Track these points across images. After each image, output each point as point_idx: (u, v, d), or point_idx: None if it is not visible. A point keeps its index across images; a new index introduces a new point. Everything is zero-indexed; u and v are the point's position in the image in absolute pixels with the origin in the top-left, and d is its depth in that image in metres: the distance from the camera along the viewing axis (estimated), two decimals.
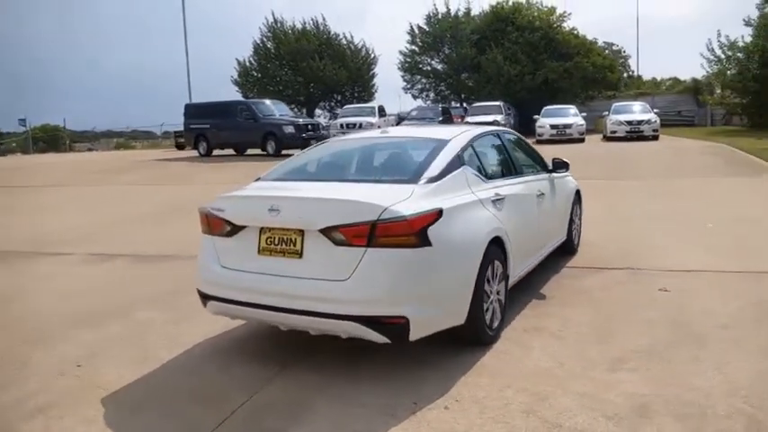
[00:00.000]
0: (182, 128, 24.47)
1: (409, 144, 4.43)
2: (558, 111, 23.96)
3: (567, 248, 5.87)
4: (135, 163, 20.90)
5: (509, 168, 4.59)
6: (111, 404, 3.19)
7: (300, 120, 23.32)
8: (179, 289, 5.33)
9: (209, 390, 3.30)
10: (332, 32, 39.04)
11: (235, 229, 3.45)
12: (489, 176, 4.12)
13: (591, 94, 33.38)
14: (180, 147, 28.22)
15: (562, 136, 22.09)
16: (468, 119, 24.11)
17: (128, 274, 6.18)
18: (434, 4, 36.19)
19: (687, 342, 3.64)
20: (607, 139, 22.10)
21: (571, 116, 23.04)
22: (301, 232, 3.22)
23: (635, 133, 21.05)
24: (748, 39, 23.64)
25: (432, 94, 38.10)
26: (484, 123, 23.14)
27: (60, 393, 3.35)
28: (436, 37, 35.88)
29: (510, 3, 34.08)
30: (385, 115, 27.51)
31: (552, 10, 33.37)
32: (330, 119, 34.47)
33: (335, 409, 2.99)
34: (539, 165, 5.30)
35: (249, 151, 22.56)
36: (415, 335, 3.09)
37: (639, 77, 50.53)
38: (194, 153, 22.99)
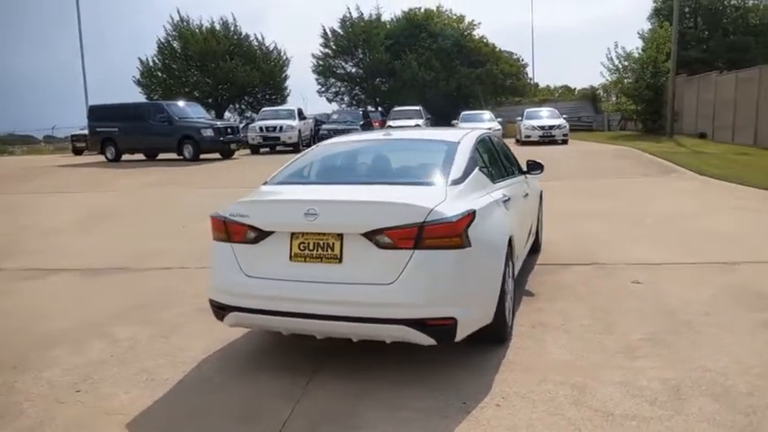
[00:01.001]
0: (78, 131, 22.70)
1: (421, 146, 4.45)
2: (474, 116, 24.93)
3: (534, 247, 6.13)
4: (34, 170, 19.17)
5: (503, 170, 4.74)
6: (140, 430, 2.93)
7: (219, 123, 22.51)
8: (148, 303, 5.01)
9: (244, 406, 3.13)
10: (243, 33, 38.09)
11: (261, 236, 3.29)
12: (494, 178, 4.23)
13: (500, 100, 35.01)
14: (77, 152, 26.28)
15: (549, 137, 22.89)
16: (391, 123, 24.41)
17: (82, 289, 5.69)
18: (348, 8, 36.20)
19: (681, 329, 3.94)
20: (521, 143, 23.26)
21: (487, 121, 24.04)
22: (340, 236, 3.14)
23: (547, 137, 22.38)
24: (642, 51, 25.91)
25: (346, 98, 38.26)
26: (407, 127, 23.75)
27: (70, 423, 3.04)
28: (350, 41, 36.08)
29: (422, 10, 35.03)
30: (305, 118, 27.21)
31: (462, 18, 34.75)
32: (241, 122, 33.55)
33: (384, 414, 2.95)
34: (515, 166, 5.51)
35: (162, 156, 21.44)
36: (459, 335, 3.11)
37: (536, 85, 53.78)
38: (96, 158, 21.54)
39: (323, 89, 38.23)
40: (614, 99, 31.09)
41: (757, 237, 6.75)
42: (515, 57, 43.56)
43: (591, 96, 35.46)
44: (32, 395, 3.36)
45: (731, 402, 2.91)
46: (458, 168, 3.65)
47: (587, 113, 34.32)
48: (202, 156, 20.41)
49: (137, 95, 36.26)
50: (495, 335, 3.59)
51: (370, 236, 3.06)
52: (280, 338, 3.95)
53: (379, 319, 3.03)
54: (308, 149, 4.59)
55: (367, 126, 26.03)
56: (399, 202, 3.16)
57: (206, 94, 36.44)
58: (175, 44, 37.09)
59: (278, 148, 24.72)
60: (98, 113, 21.81)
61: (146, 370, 3.64)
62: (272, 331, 3.87)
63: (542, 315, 4.32)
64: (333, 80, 37.67)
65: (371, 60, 34.25)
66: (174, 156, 20.56)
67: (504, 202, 3.97)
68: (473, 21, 34.41)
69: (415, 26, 34.06)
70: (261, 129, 24.24)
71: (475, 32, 33.90)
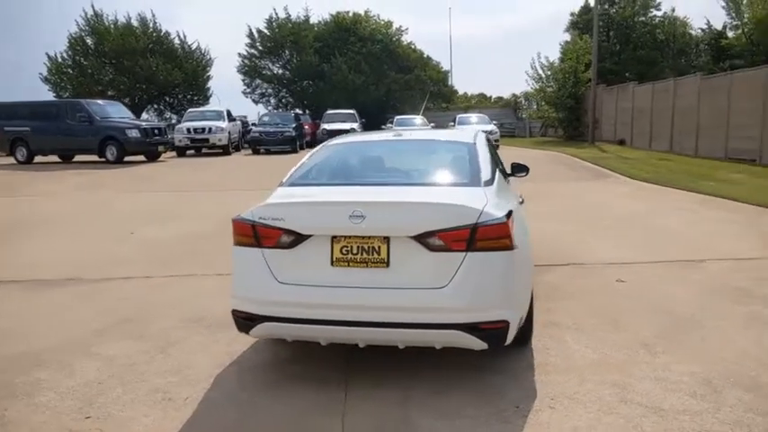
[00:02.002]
0: None
1: (440, 146, 4.39)
2: (409, 120, 25.22)
3: None
4: None
5: (504, 171, 4.77)
6: None
7: (144, 123, 21.31)
8: (126, 317, 4.62)
9: (289, 423, 2.93)
10: (163, 30, 36.36)
11: (298, 240, 3.10)
12: (506, 178, 4.25)
13: (428, 105, 35.64)
14: None
15: None
16: (325, 126, 24.20)
17: (40, 303, 5.13)
18: (274, 9, 35.52)
19: (685, 325, 4.13)
20: None
21: (418, 125, 24.40)
22: (386, 239, 3.02)
23: None
24: (562, 61, 27.33)
25: (273, 100, 37.53)
26: (342, 131, 23.62)
27: None
28: (277, 42, 35.42)
29: (350, 13, 35.05)
30: (234, 120, 26.38)
31: (390, 24, 35.06)
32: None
33: (441, 423, 2.87)
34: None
35: (79, 158, 20.00)
36: (509, 338, 3.08)
37: (456, 91, 55.39)
38: (5, 160, 19.80)
39: (248, 90, 37.29)
40: (536, 107, 32.54)
41: (706, 236, 7.24)
42: (436, 63, 44.53)
43: (513, 104, 36.96)
44: (36, 424, 2.98)
45: (763, 392, 3.07)
46: (486, 169, 3.64)
47: (510, 120, 35.70)
48: (127, 158, 19.29)
49: (44, 94, 33.66)
50: (522, 336, 3.60)
51: (421, 238, 2.96)
52: (294, 349, 3.76)
53: (432, 324, 2.94)
54: (317, 149, 4.37)
55: (299, 129, 25.63)
56: (451, 203, 3.09)
57: (122, 94, 34.38)
58: (89, 40, 34.77)
59: (204, 150, 23.91)
60: (6, 111, 20.04)
61: (157, 389, 3.34)
62: (285, 341, 3.68)
63: (547, 315, 4.37)
64: (259, 81, 36.81)
65: (300, 62, 33.80)
66: (93, 158, 19.25)
67: (521, 202, 3.99)
68: (401, 27, 34.93)
69: (344, 29, 33.99)
70: (188, 130, 23.25)
71: (403, 38, 34.46)
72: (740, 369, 3.36)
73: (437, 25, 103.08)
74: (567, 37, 34.79)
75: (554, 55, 32.25)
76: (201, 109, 27.76)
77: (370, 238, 3.03)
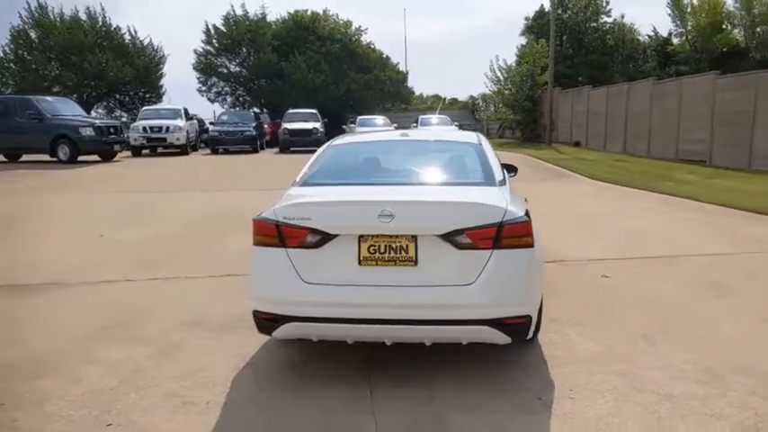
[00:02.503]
0: None
1: (449, 147, 4.47)
2: (371, 120, 25.28)
3: None
4: None
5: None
6: None
7: (99, 121, 20.54)
8: (120, 321, 4.52)
9: (320, 423, 2.94)
10: (113, 25, 35.12)
11: (325, 239, 3.11)
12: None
13: (386, 106, 35.83)
14: None
15: None
16: (286, 125, 23.95)
17: (25, 308, 4.93)
18: (232, 5, 34.83)
19: (675, 317, 4.36)
20: None
21: (383, 125, 24.51)
22: (414, 238, 3.07)
23: None
24: (519, 64, 28.00)
25: (229, 99, 36.86)
26: (304, 131, 23.45)
27: None
28: (234, 39, 34.81)
29: (309, 12, 34.80)
30: (192, 118, 25.78)
31: (349, 23, 35.04)
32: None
33: (472, 418, 2.94)
34: None
35: (27, 157, 19.11)
36: (530, 333, 3.18)
37: (413, 92, 55.93)
38: None
39: (204, 88, 36.49)
40: (493, 108, 33.19)
41: (674, 233, 7.62)
42: (395, 64, 44.82)
43: (471, 105, 37.58)
44: None
45: (762, 377, 3.29)
46: (497, 169, 3.75)
47: (468, 122, 36.26)
48: (80, 158, 18.55)
49: None
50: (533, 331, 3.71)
51: (449, 237, 3.03)
52: (306, 350, 3.76)
53: (460, 320, 3.01)
54: (324, 148, 4.34)
55: (259, 128, 25.30)
56: (479, 202, 3.17)
57: (69, 90, 32.99)
58: (33, 33, 33.23)
59: (159, 150, 23.25)
60: None
61: (174, 394, 3.28)
62: (296, 343, 3.70)
63: (548, 311, 4.50)
64: (215, 79, 36.07)
65: (257, 60, 33.31)
66: (43, 157, 18.41)
67: (526, 200, 4.12)
68: (360, 26, 34.95)
69: (303, 28, 33.74)
70: (144, 129, 22.55)
71: (362, 38, 34.50)
72: (735, 357, 3.58)
73: (391, 26, 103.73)
74: (523, 40, 35.68)
75: (510, 58, 33.00)
76: (157, 107, 26.96)
77: (397, 237, 3.07)
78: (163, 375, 3.52)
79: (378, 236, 3.08)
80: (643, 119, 18.55)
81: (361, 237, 3.10)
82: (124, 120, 30.43)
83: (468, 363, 3.52)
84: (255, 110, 34.44)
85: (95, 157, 19.42)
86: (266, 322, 3.23)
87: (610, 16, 34.19)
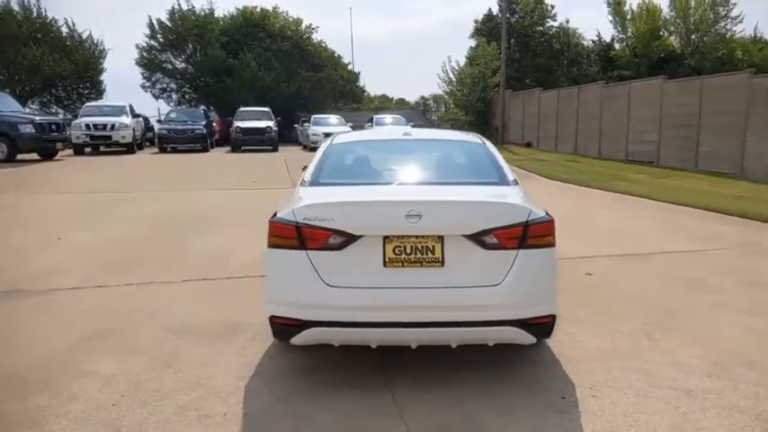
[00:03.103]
0: None
1: (456, 146, 4.41)
2: (325, 120, 25.06)
3: None
4: None
5: None
6: None
7: (39, 117, 19.38)
8: (102, 331, 4.27)
9: (348, 427, 2.85)
10: (49, 17, 33.26)
11: (348, 241, 3.02)
12: None
13: (338, 105, 35.60)
14: None
15: None
16: (238, 124, 23.36)
17: None
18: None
19: (666, 313, 4.50)
20: None
21: (338, 125, 24.35)
22: (440, 238, 3.02)
23: None
24: (471, 66, 28.43)
25: (175, 96, 35.64)
26: (257, 129, 22.96)
27: None
28: (180, 34, 33.64)
29: (258, 9, 34.10)
30: (138, 116, 24.75)
31: (299, 21, 34.56)
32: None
33: (505, 419, 2.92)
34: None
35: None
36: (553, 332, 3.19)
37: (365, 92, 55.96)
38: None
39: (148, 84, 35.09)
40: (444, 109, 33.59)
41: (638, 231, 7.92)
42: (347, 63, 44.64)
43: (422, 106, 37.91)
44: None
45: (763, 369, 3.43)
46: (508, 169, 3.76)
47: (420, 122, 36.54)
48: (19, 156, 17.47)
49: None
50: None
51: (477, 237, 3.00)
52: (310, 356, 3.64)
53: (488, 321, 2.98)
54: (325, 148, 4.19)
55: (209, 126, 24.59)
56: (505, 201, 3.16)
57: (1, 85, 31.07)
58: None
59: (102, 148, 22.20)
60: None
61: (186, 407, 3.10)
62: (298, 350, 3.59)
63: None
64: (160, 75, 34.77)
65: (205, 57, 32.30)
66: None
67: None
68: (311, 24, 34.49)
69: (253, 25, 32.98)
70: (88, 126, 21.46)
71: (314, 37, 34.07)
72: (735, 350, 3.72)
73: (337, 25, 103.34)
74: (473, 42, 36.27)
75: (461, 59, 33.43)
76: (100, 103, 25.80)
77: (424, 237, 3.02)
78: (167, 388, 3.33)
79: (403, 236, 3.02)
80: (593, 121, 19.23)
81: (386, 238, 3.03)
82: (61, 116, 28.89)
83: (485, 363, 3.50)
84: (203, 108, 33.49)
85: (34, 156, 18.35)
86: (285, 327, 3.10)
87: (555, 21, 35.32)
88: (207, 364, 3.65)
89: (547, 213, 3.23)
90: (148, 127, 26.84)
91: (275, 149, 23.24)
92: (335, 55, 34.76)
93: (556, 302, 3.21)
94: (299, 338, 3.10)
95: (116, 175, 14.93)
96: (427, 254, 3.02)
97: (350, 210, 3.11)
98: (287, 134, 29.68)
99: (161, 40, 34.05)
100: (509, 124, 26.40)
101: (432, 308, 2.97)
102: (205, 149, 23.26)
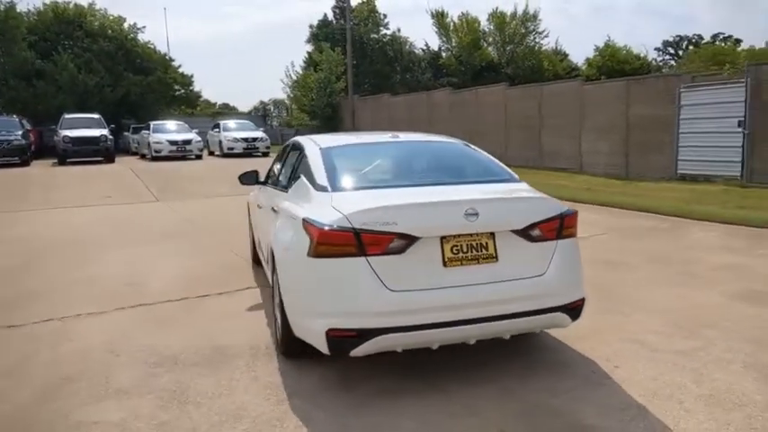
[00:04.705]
0: None
1: (448, 147, 4.51)
2: (162, 126, 23.36)
3: None
4: None
5: None
6: None
7: None
8: (67, 375, 3.71)
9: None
10: None
11: (409, 243, 3.00)
12: None
13: (172, 111, 33.31)
14: None
15: (183, 152, 21.78)
16: (66, 133, 20.70)
17: None
18: None
19: (610, 291, 5.10)
20: (225, 155, 22.92)
21: (189, 132, 22.95)
22: (492, 235, 3.15)
23: (251, 149, 22.68)
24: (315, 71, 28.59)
25: None
26: (90, 138, 20.61)
27: None
28: None
29: (72, 4, 30.49)
30: None
31: (121, 19, 31.65)
32: None
33: (561, 398, 3.14)
34: None
35: None
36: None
37: (200, 96, 53.00)
38: None
39: None
40: (286, 113, 33.32)
41: None
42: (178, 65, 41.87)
43: (262, 111, 37.11)
44: None
45: (721, 329, 4.12)
46: (508, 167, 4.00)
47: (261, 127, 35.74)
48: None
49: None
50: None
51: (524, 231, 3.20)
52: (333, 366, 3.55)
53: (537, 310, 3.19)
54: (317, 153, 3.94)
55: (27, 137, 21.42)
56: (544, 197, 3.40)
57: None
58: None
59: None
60: None
61: None
62: (312, 366, 3.54)
63: None
64: None
65: (10, 59, 27.93)
66: None
67: None
68: (136, 24, 31.69)
69: (67, 22, 29.29)
70: None
71: (140, 37, 31.34)
72: (685, 315, 4.40)
73: (151, 27, 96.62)
74: (309, 48, 36.52)
75: (298, 64, 33.39)
76: None
77: (478, 234, 3.13)
78: (205, 424, 3.00)
79: (459, 235, 3.11)
80: (444, 124, 20.60)
81: (443, 238, 3.08)
82: None
83: (501, 356, 3.70)
84: (17, 116, 28.99)
85: None
86: (345, 340, 2.99)
87: (388, 29, 37.03)
88: (227, 393, 3.34)
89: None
90: None
91: (111, 160, 21.12)
92: (167, 57, 32.44)
93: (583, 286, 3.53)
94: (362, 349, 3.01)
95: None
96: (482, 251, 3.14)
97: (411, 212, 3.10)
98: (117, 143, 27.03)
99: None
100: (359, 129, 27.10)
101: (490, 302, 3.10)
102: (25, 163, 20.28)
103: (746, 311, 4.48)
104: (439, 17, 34.76)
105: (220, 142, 23.30)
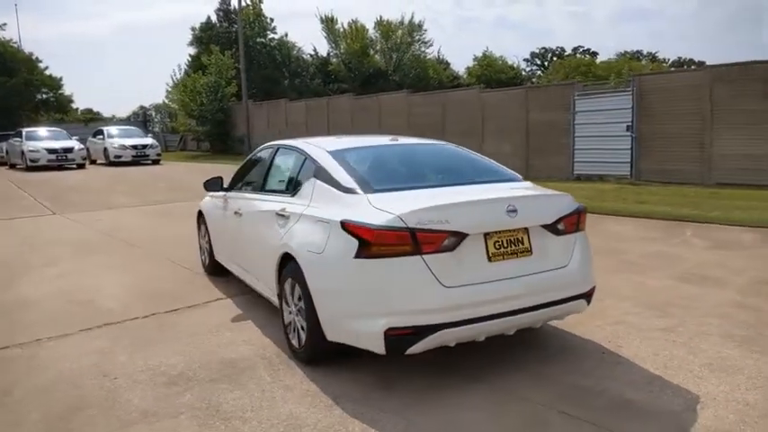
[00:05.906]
0: None
1: (446, 150, 4.63)
2: (35, 133, 21.16)
3: None
4: None
5: None
6: None
7: None
8: (71, 405, 3.40)
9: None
10: None
11: (460, 240, 3.13)
12: None
13: (40, 117, 30.19)
14: None
15: (63, 161, 19.86)
16: None
17: None
18: None
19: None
20: (111, 164, 21.24)
21: (68, 139, 20.98)
22: (526, 230, 3.36)
23: (141, 157, 21.25)
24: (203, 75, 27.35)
25: None
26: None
27: None
28: None
29: None
30: None
31: None
32: None
33: (591, 380, 3.41)
34: None
35: None
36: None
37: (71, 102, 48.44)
38: None
39: None
40: (169, 119, 31.57)
41: None
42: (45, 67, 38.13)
43: (143, 117, 34.77)
44: None
45: (681, 306, 4.67)
46: (507, 168, 4.25)
47: (143, 134, 33.46)
48: None
49: None
50: None
51: (552, 225, 3.46)
52: (365, 366, 3.58)
53: (565, 299, 3.46)
54: (325, 157, 3.93)
55: None
56: (562, 194, 3.69)
57: None
58: None
59: None
60: None
61: None
62: (332, 368, 3.57)
63: None
64: None
65: None
66: None
67: None
68: None
69: None
70: None
71: (2, 35, 27.90)
72: (648, 298, 4.93)
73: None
74: (192, 50, 34.93)
75: (182, 68, 31.77)
76: None
77: (516, 230, 3.34)
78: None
79: (500, 231, 3.29)
80: (346, 130, 20.76)
81: (486, 234, 3.24)
82: None
83: (514, 345, 3.91)
84: None
85: None
86: (404, 338, 3.05)
87: (276, 33, 36.44)
88: (267, 406, 3.23)
89: None
90: None
91: None
92: (33, 57, 29.32)
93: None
94: (420, 346, 3.09)
95: None
96: (519, 245, 3.34)
97: (462, 210, 3.24)
98: None
99: None
100: (253, 134, 26.42)
101: (529, 294, 3.31)
102: None
103: (695, 291, 5.12)
104: (329, 22, 34.94)
105: (105, 150, 21.55)
